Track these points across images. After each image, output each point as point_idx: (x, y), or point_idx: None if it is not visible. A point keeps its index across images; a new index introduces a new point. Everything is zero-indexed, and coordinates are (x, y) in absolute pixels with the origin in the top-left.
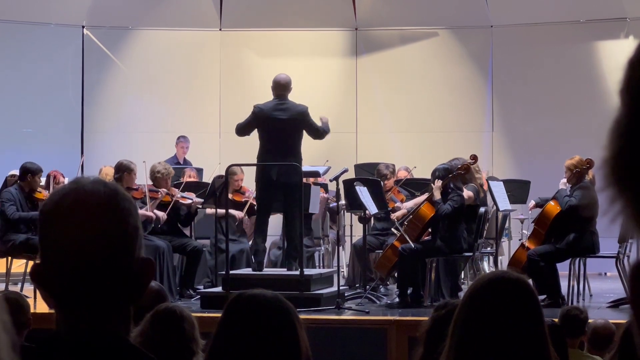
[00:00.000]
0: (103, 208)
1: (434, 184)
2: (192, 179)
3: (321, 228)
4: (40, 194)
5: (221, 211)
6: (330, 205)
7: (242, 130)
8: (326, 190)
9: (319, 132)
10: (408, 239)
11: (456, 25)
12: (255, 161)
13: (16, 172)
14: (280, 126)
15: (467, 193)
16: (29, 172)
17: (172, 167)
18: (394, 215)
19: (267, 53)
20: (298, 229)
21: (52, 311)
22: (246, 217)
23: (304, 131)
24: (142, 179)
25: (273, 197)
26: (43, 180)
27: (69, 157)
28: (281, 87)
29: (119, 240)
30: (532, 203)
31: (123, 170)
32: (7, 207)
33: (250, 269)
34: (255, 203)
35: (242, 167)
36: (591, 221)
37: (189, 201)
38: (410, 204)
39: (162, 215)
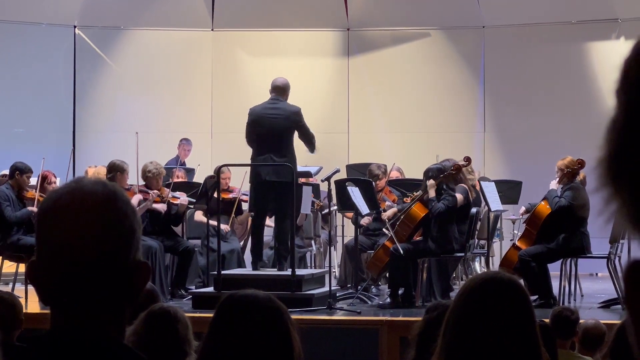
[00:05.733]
0: (99, 208)
1: (427, 184)
2: (180, 179)
3: (313, 228)
4: (29, 193)
5: (212, 222)
6: (323, 212)
7: (248, 138)
8: (316, 193)
9: (309, 138)
10: (396, 240)
11: (448, 25)
12: (247, 160)
13: (7, 172)
14: (270, 125)
15: (458, 196)
16: (17, 170)
17: (163, 167)
18: (384, 215)
19: (259, 53)
20: (289, 228)
21: (44, 311)
22: (234, 217)
23: (296, 132)
24: (133, 164)
25: (267, 197)
26: (33, 181)
27: (61, 157)
28: (276, 90)
29: (113, 241)
30: (522, 209)
31: (116, 170)
32: (5, 208)
33: (241, 269)
34: (242, 201)
35: (229, 167)
36: (582, 222)
37: (178, 200)
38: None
39: (162, 207)
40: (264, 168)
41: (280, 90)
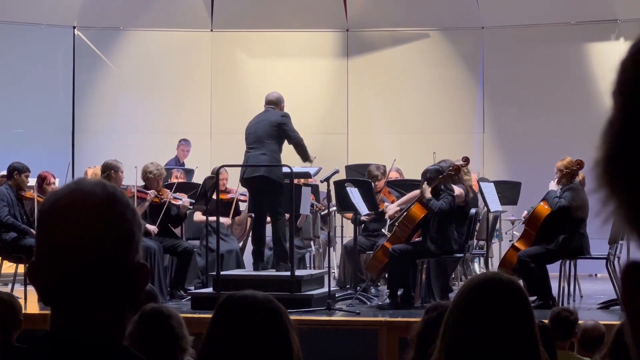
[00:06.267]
0: (98, 210)
1: (424, 185)
2: (180, 180)
3: (312, 229)
4: (28, 193)
5: (211, 218)
6: (322, 212)
7: None
8: (316, 194)
9: (297, 142)
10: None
11: (447, 26)
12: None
13: (5, 172)
14: (255, 131)
15: (458, 190)
16: (15, 170)
17: (164, 168)
18: (388, 215)
19: (258, 54)
20: (280, 228)
21: (44, 312)
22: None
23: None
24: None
25: (261, 198)
26: (32, 181)
27: (60, 157)
28: (269, 103)
29: (111, 242)
30: (524, 212)
31: (110, 169)
32: (1, 208)
33: (240, 270)
34: (240, 201)
35: (227, 168)
36: (581, 223)
37: (180, 202)
38: (403, 199)
39: (152, 229)
40: (247, 169)
41: (273, 103)
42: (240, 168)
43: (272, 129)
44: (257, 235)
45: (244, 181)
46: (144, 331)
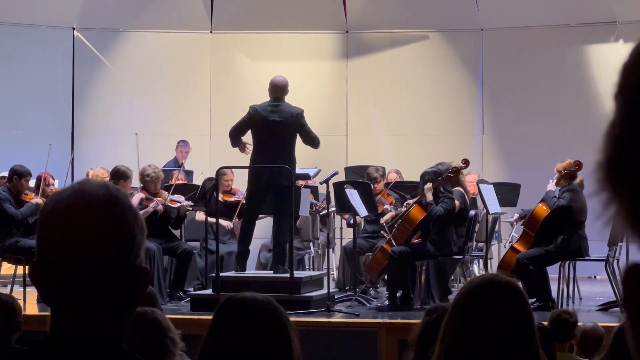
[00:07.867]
0: (99, 212)
1: (424, 187)
2: (180, 182)
3: (311, 230)
4: (27, 196)
5: (211, 220)
6: (321, 213)
7: (236, 131)
8: (315, 195)
9: (313, 140)
10: (394, 242)
11: (447, 28)
12: (246, 163)
13: (6, 174)
14: (273, 128)
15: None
16: (15, 174)
17: (162, 169)
18: (383, 219)
19: (257, 55)
20: (286, 231)
21: (43, 313)
22: (237, 219)
23: (298, 135)
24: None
25: (262, 200)
26: (32, 183)
27: (59, 159)
28: (276, 90)
29: (111, 245)
30: (515, 215)
31: (119, 177)
32: (7, 207)
33: (239, 272)
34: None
35: (232, 169)
36: (580, 224)
37: (178, 204)
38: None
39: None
40: (264, 171)
41: (280, 90)
42: (246, 171)
43: (293, 135)
44: (248, 240)
45: (261, 185)
46: (130, 335)
